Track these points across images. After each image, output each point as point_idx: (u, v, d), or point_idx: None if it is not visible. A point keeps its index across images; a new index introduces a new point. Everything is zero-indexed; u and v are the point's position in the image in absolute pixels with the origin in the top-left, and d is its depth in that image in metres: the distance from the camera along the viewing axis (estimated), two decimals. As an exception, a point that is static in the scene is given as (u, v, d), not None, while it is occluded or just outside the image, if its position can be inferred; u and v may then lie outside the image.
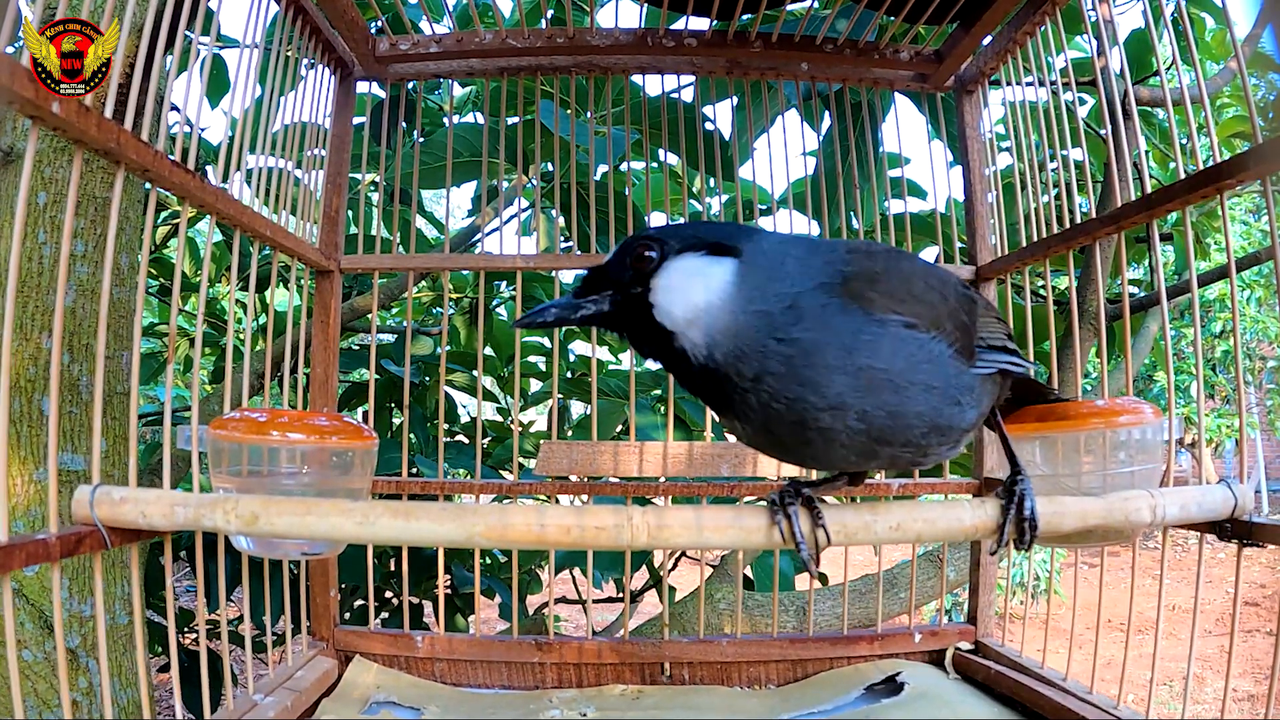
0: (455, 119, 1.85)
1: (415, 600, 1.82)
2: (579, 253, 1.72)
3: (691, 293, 0.57)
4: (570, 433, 2.17)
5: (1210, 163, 0.77)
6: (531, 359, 2.31)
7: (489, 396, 2.33)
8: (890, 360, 0.55)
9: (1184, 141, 0.86)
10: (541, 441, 1.28)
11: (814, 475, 1.00)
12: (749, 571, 1.84)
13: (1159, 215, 0.86)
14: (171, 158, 0.75)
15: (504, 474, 1.86)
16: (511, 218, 1.83)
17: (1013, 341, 0.68)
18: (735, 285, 0.56)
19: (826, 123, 1.65)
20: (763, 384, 0.55)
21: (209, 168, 1.68)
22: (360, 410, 2.03)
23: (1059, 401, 0.83)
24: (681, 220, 1.97)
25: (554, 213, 1.87)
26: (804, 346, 0.54)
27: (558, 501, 1.33)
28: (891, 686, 1.09)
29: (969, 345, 0.61)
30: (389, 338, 2.34)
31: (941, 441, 0.59)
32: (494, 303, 2.24)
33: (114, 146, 0.67)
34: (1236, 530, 0.74)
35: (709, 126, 1.42)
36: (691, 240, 0.59)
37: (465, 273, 2.16)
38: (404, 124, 1.47)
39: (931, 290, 0.59)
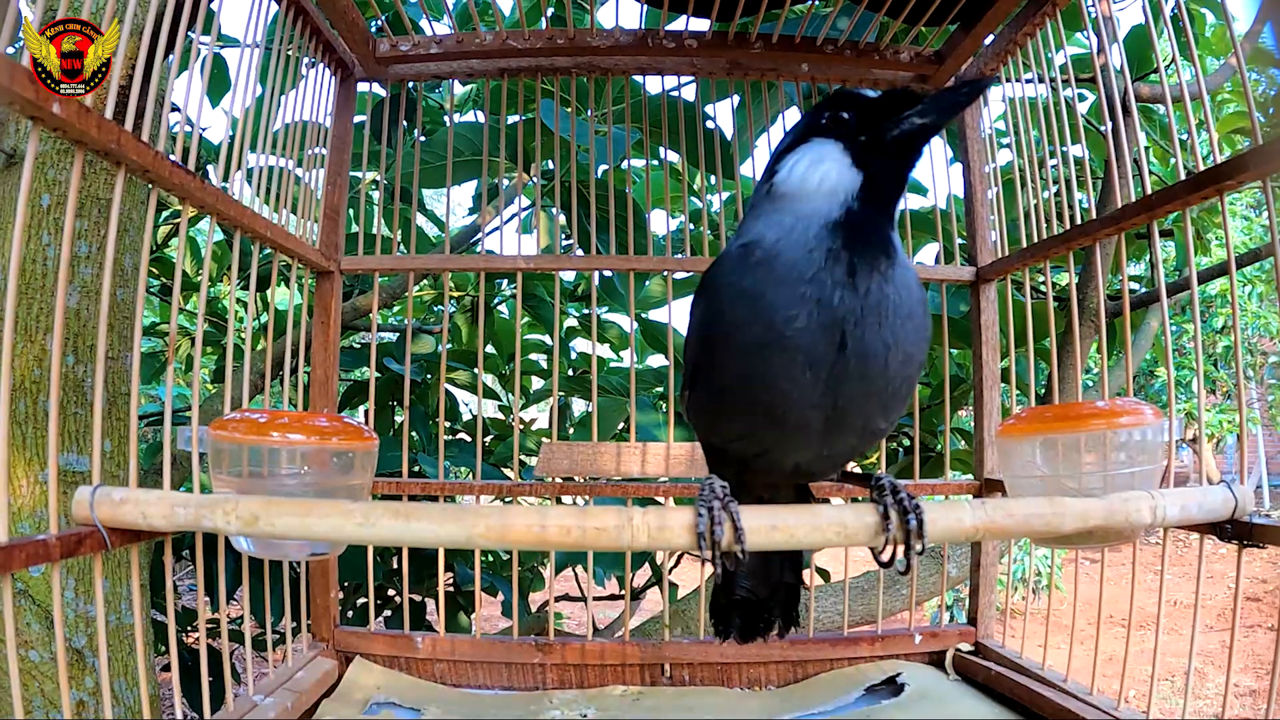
0: (456, 118, 1.85)
1: (416, 598, 1.82)
2: (580, 252, 1.72)
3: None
4: (571, 430, 2.17)
5: (1210, 158, 0.77)
6: (533, 356, 2.31)
7: (490, 394, 2.33)
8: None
9: (1184, 138, 0.86)
10: (542, 441, 1.28)
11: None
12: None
13: (1159, 215, 0.86)
14: (172, 158, 0.75)
15: (505, 472, 1.86)
16: (512, 216, 1.83)
17: None
18: None
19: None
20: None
21: (210, 166, 1.68)
22: (362, 408, 2.03)
23: None
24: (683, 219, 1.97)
25: (555, 211, 1.87)
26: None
27: (559, 502, 1.33)
28: (892, 687, 1.09)
29: None
30: (391, 336, 2.34)
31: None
32: (495, 300, 2.24)
33: (114, 147, 0.67)
34: (1237, 531, 0.74)
35: (710, 125, 1.42)
36: None
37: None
38: (405, 123, 1.47)
39: None
